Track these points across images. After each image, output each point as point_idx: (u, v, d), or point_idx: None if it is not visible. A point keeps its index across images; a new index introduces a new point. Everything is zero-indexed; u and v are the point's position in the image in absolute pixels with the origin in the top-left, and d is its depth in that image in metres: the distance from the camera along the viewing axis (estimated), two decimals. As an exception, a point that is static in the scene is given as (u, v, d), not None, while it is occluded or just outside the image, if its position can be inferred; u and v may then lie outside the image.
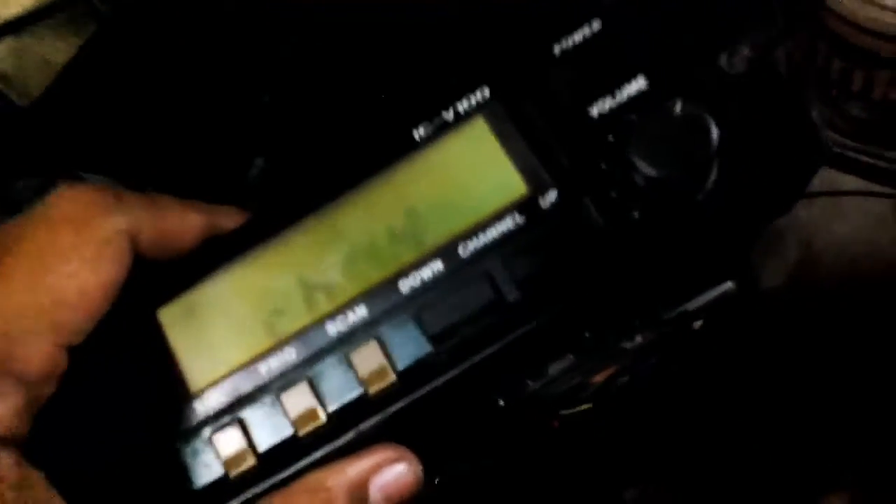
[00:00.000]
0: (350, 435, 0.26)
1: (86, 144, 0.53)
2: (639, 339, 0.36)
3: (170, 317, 0.28)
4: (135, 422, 0.27)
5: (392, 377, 0.26)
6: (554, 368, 0.34)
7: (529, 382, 0.34)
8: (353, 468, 0.27)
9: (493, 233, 0.26)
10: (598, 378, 0.38)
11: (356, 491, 0.26)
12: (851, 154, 0.45)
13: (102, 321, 0.27)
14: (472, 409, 0.32)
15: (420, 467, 0.28)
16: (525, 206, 0.26)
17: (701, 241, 0.26)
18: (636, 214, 0.25)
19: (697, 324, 0.38)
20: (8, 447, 0.24)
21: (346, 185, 0.28)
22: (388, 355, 0.26)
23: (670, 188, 0.25)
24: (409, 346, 0.26)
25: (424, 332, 0.26)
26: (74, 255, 0.26)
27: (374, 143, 0.28)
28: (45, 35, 0.52)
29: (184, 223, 0.28)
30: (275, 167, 0.55)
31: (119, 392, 0.27)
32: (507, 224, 0.26)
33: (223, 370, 0.27)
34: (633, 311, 0.34)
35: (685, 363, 0.44)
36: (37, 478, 0.25)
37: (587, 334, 0.32)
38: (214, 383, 0.27)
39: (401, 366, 0.26)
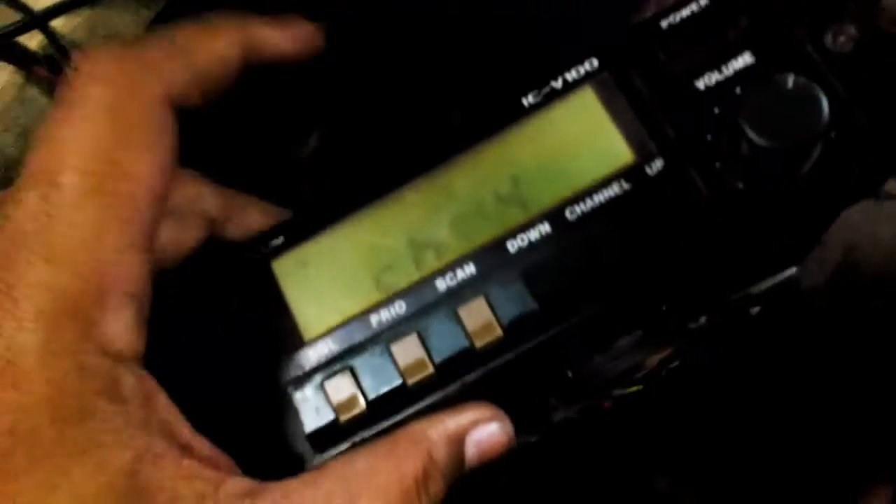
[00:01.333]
0: (455, 386, 0.27)
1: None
2: (703, 319, 0.37)
3: (284, 268, 0.29)
4: (250, 365, 0.28)
5: (498, 332, 0.27)
6: (622, 343, 0.36)
7: (597, 357, 0.35)
8: (453, 421, 0.28)
9: (600, 198, 0.27)
10: (653, 359, 0.39)
11: (454, 444, 0.28)
12: None
13: (219, 269, 0.28)
14: (543, 381, 0.33)
15: (512, 428, 0.29)
16: (631, 173, 0.27)
17: (800, 213, 0.27)
18: (740, 185, 0.27)
19: (755, 310, 0.39)
20: (130, 366, 0.25)
21: (457, 149, 0.29)
22: (494, 311, 0.27)
23: (777, 160, 0.26)
24: (515, 303, 0.27)
25: (530, 290, 0.27)
26: (121, 149, 0.25)
27: (484, 109, 0.29)
28: (118, 8, 0.53)
29: (213, 52, 0.27)
30: (329, 143, 0.55)
31: (236, 336, 0.29)
32: (613, 190, 0.27)
33: (336, 320, 0.28)
34: (706, 290, 0.35)
35: (728, 355, 0.45)
36: (160, 396, 0.25)
37: (664, 307, 0.33)
38: (327, 332, 0.28)
39: (506, 321, 0.27)
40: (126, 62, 0.26)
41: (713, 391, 0.50)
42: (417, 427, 0.27)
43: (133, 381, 0.25)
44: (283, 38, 0.29)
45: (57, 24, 0.48)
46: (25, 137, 0.47)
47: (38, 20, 0.43)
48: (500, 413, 0.28)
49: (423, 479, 0.26)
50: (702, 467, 0.52)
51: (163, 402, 0.25)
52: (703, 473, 0.52)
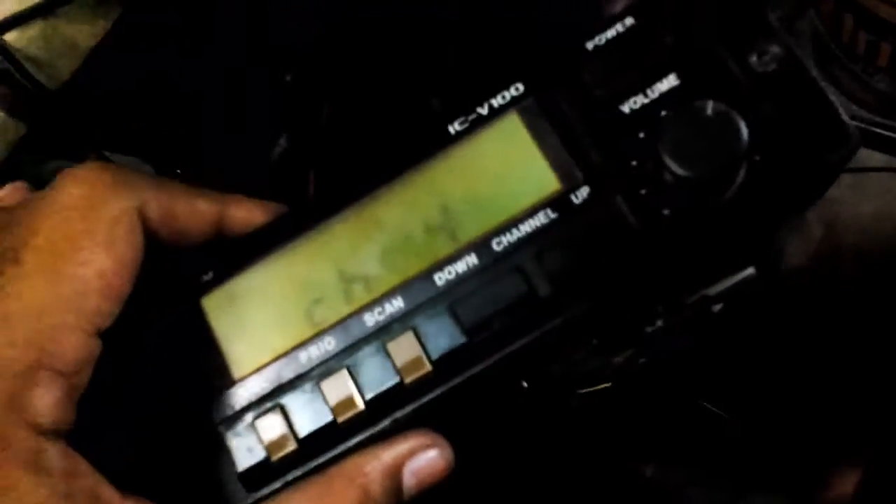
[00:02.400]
0: (386, 422, 0.27)
1: (114, 126, 0.54)
2: (660, 323, 0.37)
3: (213, 305, 0.29)
4: (178, 407, 0.28)
5: (427, 367, 0.27)
6: (578, 353, 0.35)
7: (553, 367, 0.35)
8: (389, 453, 0.28)
9: (526, 228, 0.27)
10: (619, 359, 0.39)
11: (391, 475, 0.27)
12: (876, 130, 0.45)
13: (145, 309, 0.28)
14: (497, 391, 0.33)
15: (451, 452, 0.29)
16: (557, 202, 0.27)
17: (728, 236, 0.27)
18: (666, 212, 0.26)
19: (717, 307, 0.38)
20: (53, 439, 0.25)
21: (383, 179, 0.28)
22: (423, 346, 0.27)
23: (699, 187, 0.25)
24: (444, 336, 0.27)
25: (459, 323, 0.27)
26: (86, 240, 0.26)
27: (410, 138, 0.29)
28: (73, 18, 0.52)
29: (193, 206, 0.29)
30: (296, 147, 0.55)
31: (163, 378, 0.28)
32: (539, 219, 0.27)
33: (266, 357, 0.28)
34: (657, 297, 0.34)
35: (705, 342, 0.45)
36: (84, 466, 0.25)
37: (612, 321, 0.33)
38: (257, 370, 0.28)
39: (435, 356, 0.27)
40: (108, 172, 0.28)
41: (698, 380, 0.50)
42: (352, 463, 0.27)
43: (56, 453, 0.25)
44: (252, 215, 0.30)
45: (11, 37, 0.48)
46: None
47: (-9, 33, 0.42)
48: (438, 438, 0.28)
49: None
50: (687, 453, 0.52)
51: (87, 472, 0.25)
52: (689, 459, 0.52)
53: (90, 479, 0.25)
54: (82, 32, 0.53)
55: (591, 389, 0.42)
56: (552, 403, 0.40)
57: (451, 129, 0.28)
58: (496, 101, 0.28)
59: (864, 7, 0.41)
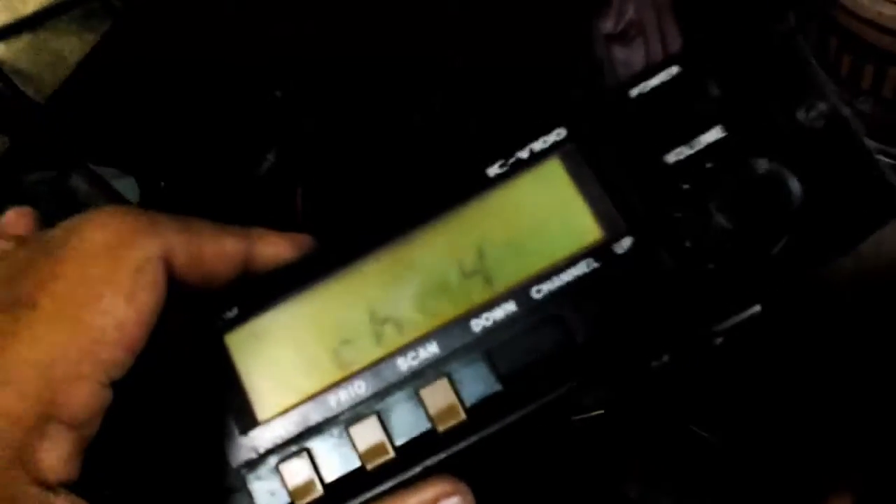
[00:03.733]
0: (417, 469, 0.26)
1: (100, 139, 0.53)
2: (666, 358, 0.37)
3: (238, 343, 0.28)
4: (202, 449, 0.27)
5: (462, 415, 0.26)
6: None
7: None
8: (414, 499, 0.27)
9: (567, 277, 0.27)
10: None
11: None
12: None
13: (168, 345, 0.27)
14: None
15: (472, 500, 0.28)
16: (599, 251, 0.27)
17: (771, 290, 0.27)
18: (710, 265, 0.26)
19: (718, 340, 0.38)
20: (60, 493, 0.24)
21: (420, 220, 0.28)
22: (457, 393, 0.26)
23: (747, 241, 0.25)
24: (479, 384, 0.26)
25: (494, 371, 0.26)
26: (108, 289, 0.25)
27: (448, 179, 0.28)
28: (61, 31, 0.52)
29: (220, 247, 0.27)
30: (284, 162, 0.55)
31: (183, 419, 0.27)
32: (580, 269, 0.27)
33: (292, 399, 0.27)
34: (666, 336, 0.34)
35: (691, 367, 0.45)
36: None
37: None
38: (283, 412, 0.27)
39: (469, 403, 0.26)
40: (133, 216, 0.26)
41: (683, 402, 0.50)
42: None
43: None
44: (280, 250, 0.29)
45: (-3, 50, 0.46)
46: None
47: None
48: (461, 486, 0.28)
49: None
50: (672, 474, 0.52)
51: None
52: (674, 480, 0.52)
53: None
54: (70, 45, 0.52)
55: (584, 416, 0.42)
56: (547, 430, 0.40)
57: (490, 173, 0.28)
58: (537, 146, 0.28)
59: (848, 30, 0.41)
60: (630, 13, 0.50)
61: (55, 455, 0.24)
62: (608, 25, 0.50)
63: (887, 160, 0.44)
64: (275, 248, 0.29)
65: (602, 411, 0.42)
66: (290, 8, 0.54)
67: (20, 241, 0.28)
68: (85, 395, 0.24)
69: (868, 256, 0.48)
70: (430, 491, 0.27)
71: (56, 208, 0.35)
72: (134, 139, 0.53)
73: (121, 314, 0.25)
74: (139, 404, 0.26)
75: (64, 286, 0.25)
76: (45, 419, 0.24)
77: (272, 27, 0.55)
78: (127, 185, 0.49)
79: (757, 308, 0.36)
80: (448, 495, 0.27)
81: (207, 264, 0.27)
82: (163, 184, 0.53)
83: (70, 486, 0.24)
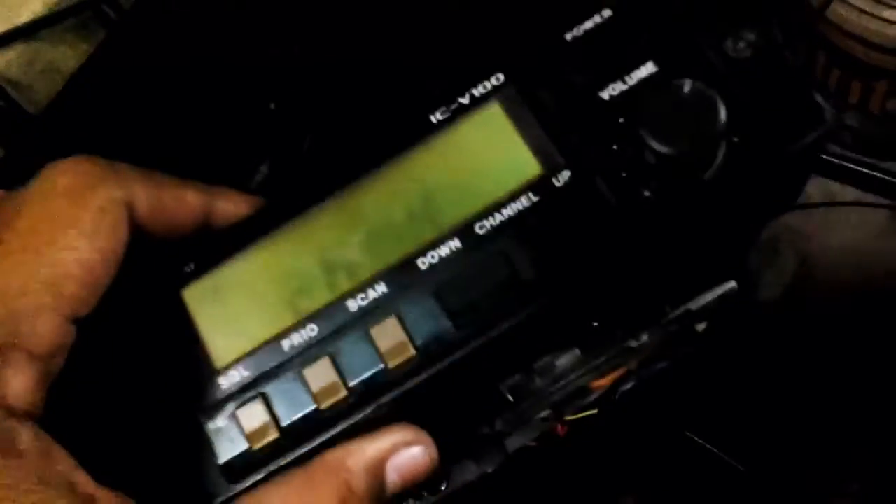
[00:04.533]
0: (370, 409, 0.27)
1: (93, 151, 0.54)
2: (644, 337, 0.37)
3: (195, 296, 0.29)
4: (158, 397, 0.28)
5: (411, 352, 0.27)
6: (561, 363, 0.35)
7: (537, 379, 0.35)
8: (372, 448, 0.27)
9: (509, 211, 0.27)
10: (604, 382, 0.39)
11: (374, 471, 0.27)
12: (848, 165, 0.46)
13: (126, 300, 0.28)
14: (480, 395, 0.33)
15: (435, 451, 0.28)
16: (539, 185, 0.27)
17: (709, 219, 0.27)
18: (647, 193, 0.26)
19: (701, 326, 0.39)
20: (26, 422, 0.25)
21: (365, 168, 0.29)
22: (407, 331, 0.27)
23: (679, 165, 0.26)
24: (428, 321, 0.27)
25: (443, 308, 0.27)
26: (71, 226, 0.26)
27: (392, 127, 0.29)
28: (55, 41, 0.53)
29: (181, 199, 0.29)
30: (279, 173, 0.55)
31: (143, 368, 0.28)
32: (521, 203, 0.27)
33: (247, 346, 0.28)
34: (639, 307, 0.35)
35: (686, 371, 0.45)
36: (58, 451, 0.25)
37: (595, 324, 0.33)
38: (238, 360, 0.28)
39: (419, 341, 0.27)
40: (96, 163, 0.28)
41: (678, 410, 0.49)
42: (334, 456, 0.27)
43: (30, 436, 0.24)
44: (239, 207, 0.30)
45: (-9, 60, 0.48)
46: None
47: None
48: (422, 434, 0.28)
49: None
50: (666, 485, 0.52)
51: (61, 455, 0.25)
52: (668, 491, 0.52)
53: (65, 463, 0.25)
54: (64, 56, 0.53)
55: (576, 416, 0.42)
56: (538, 431, 0.40)
57: (433, 119, 0.29)
58: (477, 91, 0.29)
59: (835, 45, 0.42)
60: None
61: (19, 383, 0.25)
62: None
63: (879, 175, 0.45)
64: (234, 205, 0.30)
65: (595, 411, 0.42)
66: (284, 21, 0.56)
67: None
68: (48, 327, 0.25)
69: (868, 264, 0.49)
70: (388, 438, 0.27)
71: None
72: (126, 149, 0.54)
73: (83, 251, 0.26)
74: (101, 349, 0.27)
75: (28, 223, 0.26)
76: (8, 347, 0.25)
77: (267, 40, 0.56)
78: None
79: (732, 285, 0.36)
80: (408, 444, 0.28)
81: (169, 213, 0.28)
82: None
83: (34, 419, 0.25)
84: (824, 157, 0.43)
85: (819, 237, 0.49)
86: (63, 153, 0.53)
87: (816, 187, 0.46)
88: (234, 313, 0.28)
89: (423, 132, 0.28)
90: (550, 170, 0.27)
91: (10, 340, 0.25)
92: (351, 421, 0.27)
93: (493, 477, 0.45)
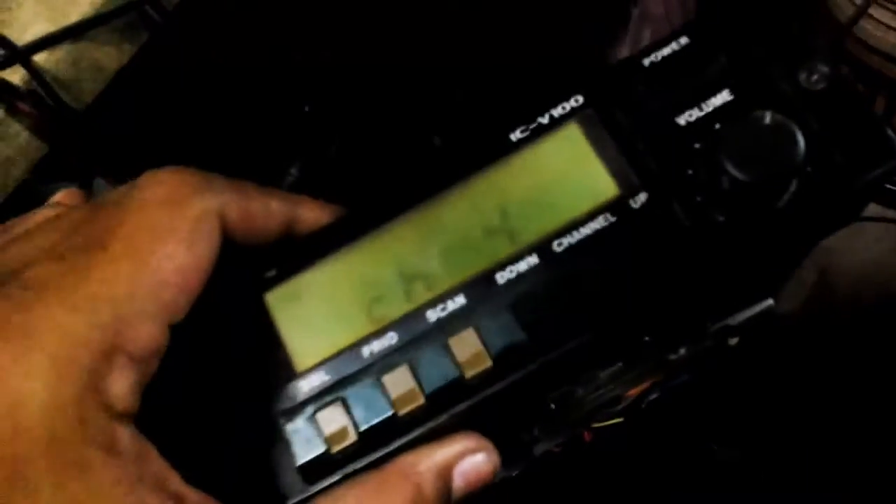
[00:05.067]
0: (445, 416, 0.28)
1: (133, 149, 0.55)
2: (683, 351, 0.38)
3: (277, 301, 0.29)
4: (242, 399, 0.28)
5: (488, 362, 0.28)
6: (603, 375, 0.36)
7: (579, 389, 0.36)
8: (442, 454, 0.28)
9: (586, 230, 0.28)
10: (633, 392, 0.40)
11: (442, 476, 0.28)
12: None
13: (212, 304, 0.28)
14: (527, 411, 0.34)
15: (497, 457, 0.29)
16: (616, 206, 0.28)
17: (776, 245, 0.28)
18: (720, 218, 0.27)
19: (733, 340, 0.40)
20: (125, 422, 0.26)
21: (446, 183, 0.29)
22: (483, 341, 0.28)
23: (755, 193, 0.27)
24: (504, 333, 0.28)
25: (518, 320, 0.28)
26: (170, 235, 0.27)
27: (472, 145, 0.30)
28: (101, 41, 0.53)
29: (267, 208, 0.30)
30: (308, 177, 0.56)
31: (227, 371, 0.29)
32: (598, 223, 0.28)
33: (328, 351, 0.28)
34: (685, 322, 0.36)
35: (710, 384, 0.46)
36: (153, 452, 0.26)
37: (647, 338, 0.34)
38: (319, 364, 0.28)
39: (495, 351, 0.28)
40: (191, 174, 0.28)
41: (703, 419, 0.50)
42: (407, 460, 0.28)
43: (128, 437, 0.25)
44: (320, 216, 0.31)
45: (39, 58, 0.49)
46: (7, 170, 0.48)
47: (21, 55, 0.43)
48: (486, 442, 0.29)
49: None
50: (695, 497, 0.53)
51: (155, 456, 0.26)
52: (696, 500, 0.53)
53: (158, 464, 0.26)
54: (109, 56, 0.54)
55: (603, 424, 0.43)
56: (567, 436, 0.41)
57: (513, 137, 0.30)
58: (556, 112, 0.29)
59: (859, 60, 0.43)
60: (646, 41, 0.51)
61: (122, 385, 0.25)
62: (623, 53, 0.51)
63: None
64: (316, 213, 0.31)
65: (621, 419, 0.43)
66: (320, 26, 0.56)
67: (72, 207, 0.30)
68: (148, 333, 0.26)
69: (888, 278, 0.50)
70: (456, 445, 0.28)
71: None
72: (160, 150, 0.55)
73: (181, 259, 0.27)
74: (189, 351, 0.27)
75: (130, 231, 0.27)
76: (113, 349, 0.25)
77: (302, 44, 0.57)
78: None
79: (770, 302, 0.37)
80: (473, 451, 0.29)
81: (256, 221, 0.29)
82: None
83: (131, 420, 0.26)
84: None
85: (839, 252, 0.50)
86: (104, 150, 0.54)
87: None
88: (315, 318, 0.29)
89: (502, 150, 0.29)
90: (627, 191, 0.28)
91: (114, 342, 0.25)
92: (426, 428, 0.28)
93: (513, 480, 0.46)
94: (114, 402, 0.25)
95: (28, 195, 0.49)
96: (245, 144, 0.58)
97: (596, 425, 0.43)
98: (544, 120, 0.29)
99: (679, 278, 0.28)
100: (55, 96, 0.50)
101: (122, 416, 0.25)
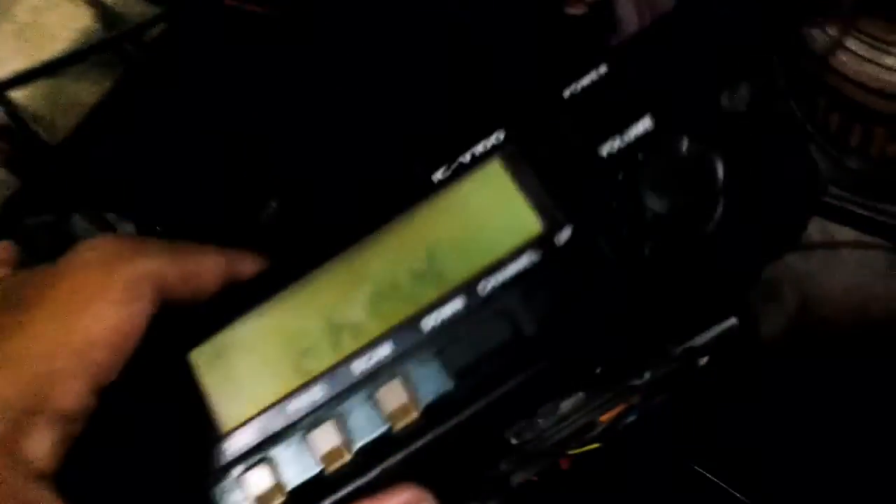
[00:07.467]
0: (375, 471, 0.27)
1: (108, 184, 0.55)
2: (647, 375, 0.37)
3: (200, 359, 0.29)
4: (165, 462, 0.28)
5: (415, 414, 0.27)
6: (565, 406, 0.35)
7: (540, 421, 0.35)
8: None
9: (510, 270, 0.27)
10: (606, 417, 0.39)
11: None
12: (848, 206, 0.46)
13: (135, 364, 0.28)
14: (485, 447, 0.33)
15: None
16: (540, 243, 0.27)
17: (711, 273, 0.27)
18: (647, 250, 0.26)
19: (703, 360, 0.38)
20: (43, 483, 0.25)
21: (369, 228, 0.29)
22: (411, 392, 0.27)
23: (678, 223, 0.26)
24: (432, 382, 0.27)
25: (447, 368, 0.27)
26: (102, 297, 0.27)
27: (394, 187, 0.29)
28: (78, 77, 0.54)
29: (203, 266, 0.30)
30: (288, 209, 0.56)
31: (150, 433, 0.28)
32: (523, 262, 0.27)
33: (252, 410, 0.28)
34: (643, 348, 0.34)
35: (693, 407, 0.45)
36: None
37: (598, 370, 0.33)
38: (244, 423, 0.28)
39: (424, 402, 0.27)
40: (123, 240, 0.29)
41: (683, 440, 0.49)
42: None
43: (45, 499, 0.25)
44: (254, 268, 0.31)
45: (16, 94, 0.49)
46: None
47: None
48: (426, 494, 0.28)
49: None
50: None
51: None
52: None
53: None
54: (85, 91, 0.54)
55: (580, 450, 0.42)
56: (542, 465, 0.40)
57: (435, 178, 0.29)
58: (478, 149, 0.29)
59: (836, 90, 0.42)
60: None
61: (41, 444, 0.25)
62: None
63: (879, 216, 0.45)
64: (256, 267, 0.30)
65: (598, 445, 0.42)
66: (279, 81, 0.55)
67: (14, 271, 0.30)
68: (76, 391, 0.26)
69: (868, 305, 0.48)
70: (394, 500, 0.28)
71: (55, 253, 0.37)
72: (136, 183, 0.55)
73: (111, 320, 0.27)
74: (112, 412, 0.27)
75: (60, 293, 0.27)
76: (35, 410, 0.25)
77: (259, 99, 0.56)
78: (125, 231, 0.51)
79: (733, 321, 0.36)
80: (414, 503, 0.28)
81: (192, 281, 0.29)
82: (159, 228, 0.54)
83: (52, 481, 0.26)
84: (825, 199, 0.43)
85: (819, 278, 0.49)
86: (76, 186, 0.54)
87: (817, 228, 0.46)
88: (239, 376, 0.28)
89: (425, 191, 0.29)
90: (551, 228, 0.27)
91: (36, 402, 0.25)
92: (357, 484, 0.27)
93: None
94: (34, 464, 0.25)
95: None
96: (223, 176, 0.58)
97: (572, 452, 0.42)
98: (465, 159, 0.29)
99: (610, 312, 0.27)
100: (28, 131, 0.50)
101: (41, 477, 0.25)
